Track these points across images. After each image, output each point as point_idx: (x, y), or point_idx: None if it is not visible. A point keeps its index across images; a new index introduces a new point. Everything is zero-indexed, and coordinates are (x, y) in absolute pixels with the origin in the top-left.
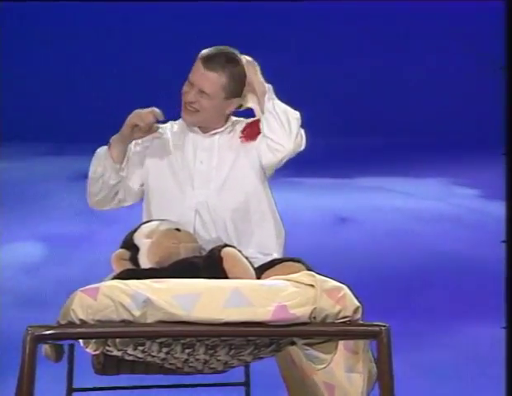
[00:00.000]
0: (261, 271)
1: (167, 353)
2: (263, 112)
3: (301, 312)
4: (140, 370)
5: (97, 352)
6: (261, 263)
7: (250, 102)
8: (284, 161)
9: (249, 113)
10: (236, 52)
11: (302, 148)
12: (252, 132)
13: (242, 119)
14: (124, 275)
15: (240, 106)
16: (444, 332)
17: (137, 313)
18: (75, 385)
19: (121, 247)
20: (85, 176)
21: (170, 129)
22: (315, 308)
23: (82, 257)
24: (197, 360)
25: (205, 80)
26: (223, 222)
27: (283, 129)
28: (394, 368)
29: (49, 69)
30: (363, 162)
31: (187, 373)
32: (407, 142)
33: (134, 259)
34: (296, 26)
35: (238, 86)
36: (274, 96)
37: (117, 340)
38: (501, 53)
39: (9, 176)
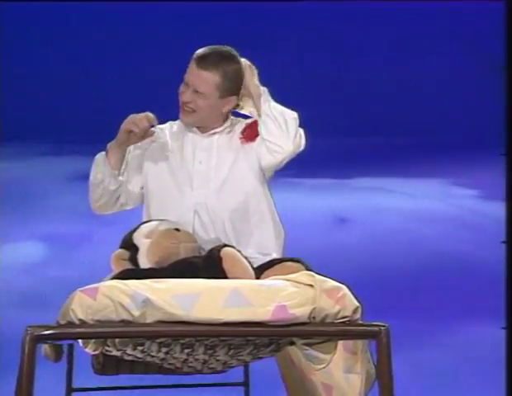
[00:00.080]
0: (260, 271)
1: (166, 353)
2: (260, 115)
3: (300, 312)
4: (140, 370)
5: (97, 352)
6: (260, 263)
7: (247, 106)
8: (284, 162)
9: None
10: (232, 50)
11: (302, 148)
12: (251, 133)
13: (241, 119)
14: (123, 275)
15: (237, 105)
16: (444, 332)
17: (136, 313)
18: (74, 385)
19: (121, 247)
20: (85, 176)
21: (169, 129)
22: (314, 308)
23: (82, 257)
24: (197, 360)
25: (199, 80)
26: (221, 222)
27: (281, 130)
28: (393, 368)
29: (49, 69)
30: (363, 163)
31: (186, 373)
32: (407, 142)
33: (133, 259)
34: (296, 26)
35: (233, 84)
36: (270, 98)
37: (116, 340)
38: (501, 53)
39: (9, 176)
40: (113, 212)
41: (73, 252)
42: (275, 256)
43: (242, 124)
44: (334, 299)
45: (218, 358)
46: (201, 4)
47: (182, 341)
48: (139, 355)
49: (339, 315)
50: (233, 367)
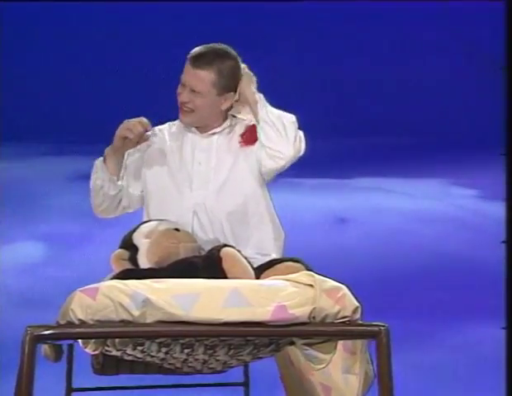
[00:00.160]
0: (260, 271)
1: (166, 353)
2: (258, 122)
3: (300, 312)
4: (140, 370)
5: (97, 352)
6: (260, 263)
7: (244, 112)
8: (286, 167)
9: None
10: (227, 48)
11: (302, 152)
12: (250, 137)
13: (241, 119)
14: (123, 275)
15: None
16: (444, 332)
17: (136, 313)
18: (74, 385)
19: (120, 247)
20: (85, 176)
21: (168, 130)
22: (314, 308)
23: (82, 257)
24: (196, 360)
25: (195, 79)
26: (220, 223)
27: (280, 136)
28: (393, 368)
29: (49, 69)
30: (363, 163)
31: (186, 373)
32: (407, 142)
33: (133, 259)
34: (296, 26)
35: (229, 80)
36: (267, 104)
37: (116, 340)
38: (501, 53)
39: (9, 176)
40: (117, 215)
41: (73, 252)
42: (274, 256)
43: (242, 125)
44: (334, 299)
45: (218, 358)
46: (201, 4)
47: (181, 341)
48: (139, 355)
49: (339, 315)
50: (233, 367)
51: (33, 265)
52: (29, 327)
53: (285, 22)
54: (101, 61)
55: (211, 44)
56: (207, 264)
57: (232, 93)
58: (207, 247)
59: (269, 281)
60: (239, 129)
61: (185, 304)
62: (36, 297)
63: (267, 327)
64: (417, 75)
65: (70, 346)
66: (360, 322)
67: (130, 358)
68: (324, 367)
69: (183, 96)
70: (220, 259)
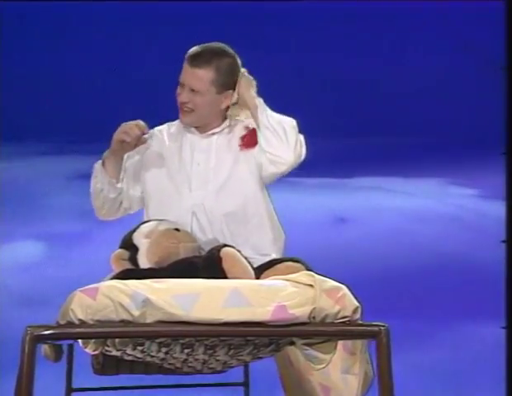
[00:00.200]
0: (260, 271)
1: (166, 353)
2: (258, 126)
3: (300, 312)
4: (140, 370)
5: (96, 352)
6: (260, 263)
7: (243, 116)
8: (287, 172)
9: None
10: (224, 46)
11: (303, 157)
12: (250, 140)
13: (240, 119)
14: (123, 275)
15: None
16: (444, 332)
17: (136, 313)
18: (74, 385)
19: (120, 247)
20: (85, 175)
21: (167, 130)
22: (314, 308)
23: (82, 257)
24: (196, 360)
25: (193, 78)
26: (219, 224)
27: (281, 141)
28: (393, 368)
29: (49, 69)
30: (363, 162)
31: (186, 373)
32: (407, 142)
33: (133, 259)
34: (296, 26)
35: (228, 78)
36: (267, 108)
37: (116, 340)
38: (501, 53)
39: (9, 176)
40: (118, 217)
41: (73, 251)
42: (274, 256)
43: (241, 126)
44: (334, 299)
45: (218, 358)
46: (201, 4)
47: (181, 341)
48: (139, 355)
49: (339, 315)
50: (233, 367)
51: (33, 264)
52: (29, 327)
53: (285, 22)
54: (101, 61)
55: (207, 44)
56: (207, 264)
57: (231, 91)
58: (207, 248)
59: (269, 281)
60: (239, 130)
61: (185, 304)
62: (36, 297)
63: (267, 327)
64: (417, 75)
65: (70, 346)
66: (360, 322)
67: (130, 358)
68: (324, 367)
69: (183, 96)
70: (220, 259)
